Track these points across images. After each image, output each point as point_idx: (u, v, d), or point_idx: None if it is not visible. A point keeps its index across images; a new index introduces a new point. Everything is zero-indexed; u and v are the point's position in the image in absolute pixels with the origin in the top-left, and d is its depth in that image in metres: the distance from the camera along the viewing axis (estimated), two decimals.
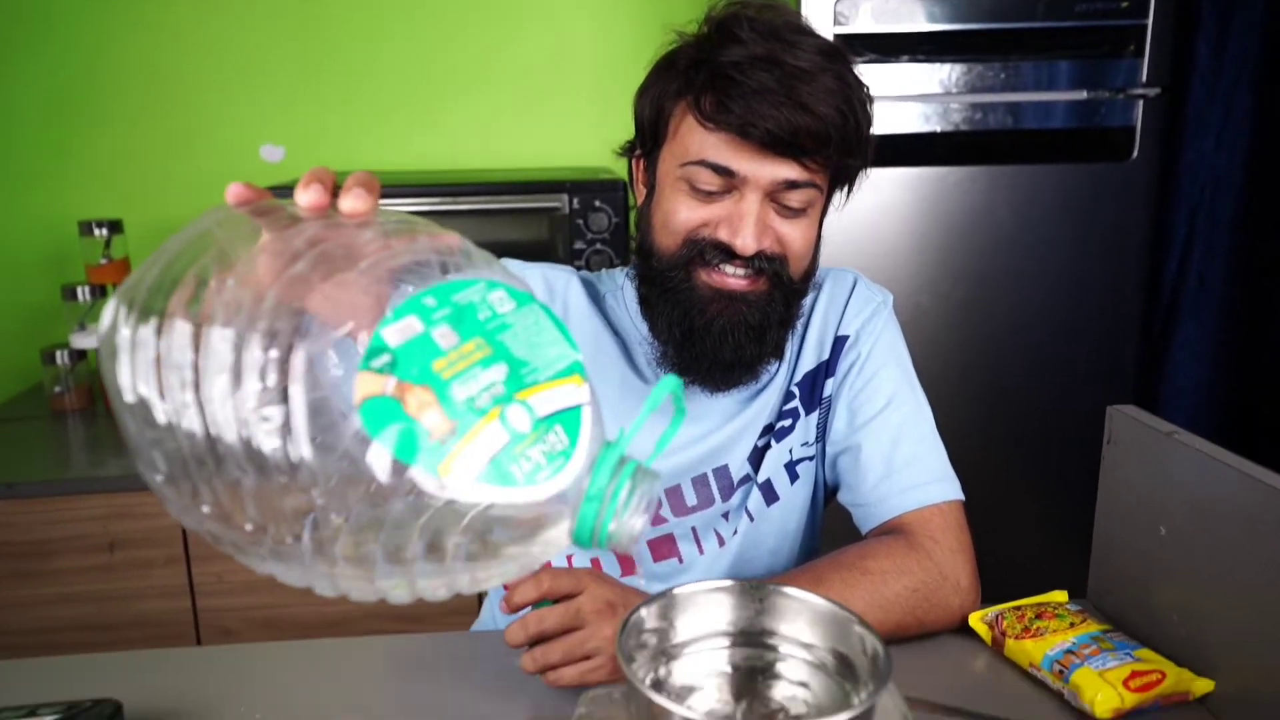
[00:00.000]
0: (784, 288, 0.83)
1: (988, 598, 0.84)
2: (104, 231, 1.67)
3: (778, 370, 0.92)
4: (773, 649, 0.59)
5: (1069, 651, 0.73)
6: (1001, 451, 1.59)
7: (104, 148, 1.88)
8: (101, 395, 1.75)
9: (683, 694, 0.57)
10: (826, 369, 0.92)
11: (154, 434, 0.41)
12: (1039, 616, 0.78)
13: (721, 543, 0.93)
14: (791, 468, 0.93)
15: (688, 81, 0.81)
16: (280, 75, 1.89)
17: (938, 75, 1.48)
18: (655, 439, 0.48)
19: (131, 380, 0.42)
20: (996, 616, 0.79)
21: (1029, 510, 1.62)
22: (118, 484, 1.40)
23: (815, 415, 0.92)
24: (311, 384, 0.40)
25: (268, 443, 0.40)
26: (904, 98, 1.47)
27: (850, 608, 0.56)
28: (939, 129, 1.49)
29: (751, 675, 0.58)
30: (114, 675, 0.76)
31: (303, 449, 0.40)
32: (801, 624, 0.58)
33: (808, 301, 0.92)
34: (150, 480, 0.43)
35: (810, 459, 0.93)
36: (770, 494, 0.92)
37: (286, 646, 0.84)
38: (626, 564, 0.93)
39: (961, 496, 0.87)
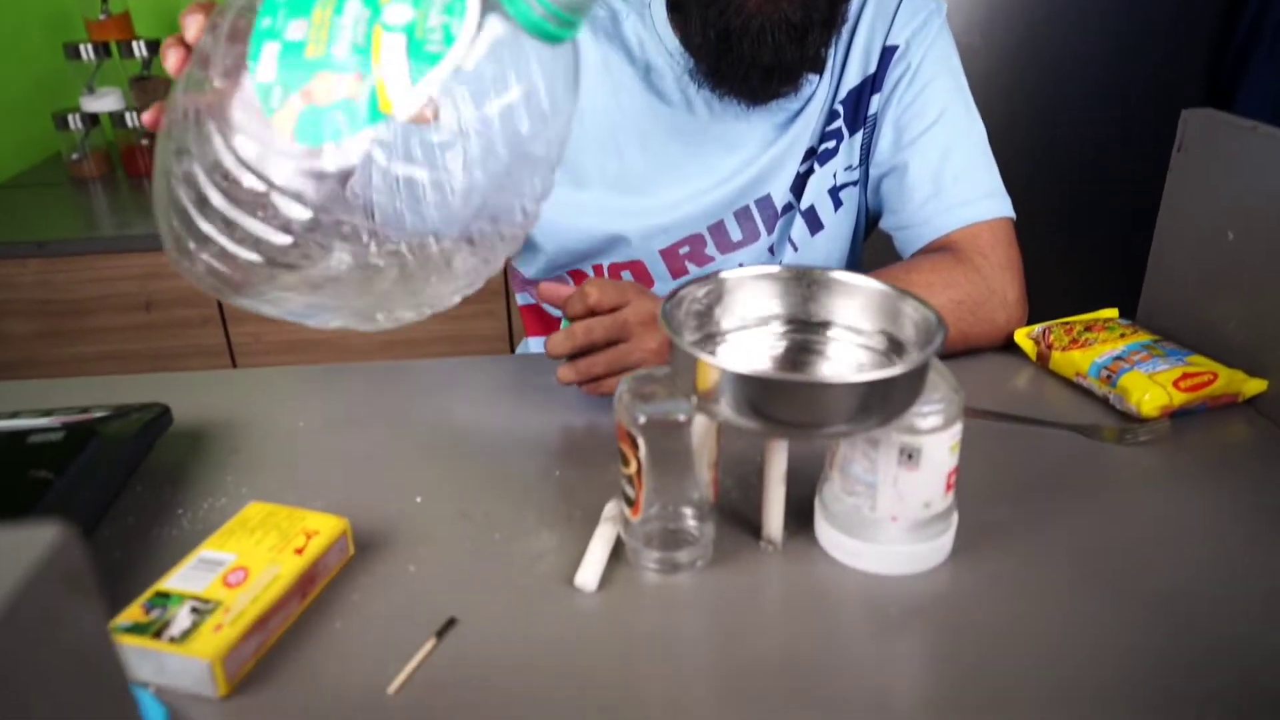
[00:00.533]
0: None
1: (1036, 319, 0.82)
2: None
3: (817, 87, 0.86)
4: (820, 333, 0.57)
5: (1117, 358, 0.71)
6: (1055, 175, 1.52)
7: None
8: (121, 162, 1.72)
9: None
10: (873, 84, 0.86)
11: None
12: (1088, 330, 0.76)
13: None
14: (835, 194, 0.89)
15: None
16: None
17: None
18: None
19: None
20: (1044, 330, 0.77)
21: (1081, 235, 1.57)
22: (150, 243, 1.39)
23: (860, 136, 0.87)
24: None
25: (294, 219, 0.44)
26: None
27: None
28: None
29: (799, 354, 0.57)
30: (162, 390, 0.77)
31: (310, 207, 0.43)
32: (851, 307, 0.57)
33: (853, 8, 0.84)
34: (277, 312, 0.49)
35: (854, 184, 0.89)
36: (814, 222, 0.89)
37: (329, 369, 0.85)
38: None
39: (1012, 214, 0.83)
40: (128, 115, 1.63)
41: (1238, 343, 0.71)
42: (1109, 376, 0.70)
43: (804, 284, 0.57)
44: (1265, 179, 0.67)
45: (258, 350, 1.47)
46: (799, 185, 0.88)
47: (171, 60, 0.49)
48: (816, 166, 0.88)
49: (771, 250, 0.90)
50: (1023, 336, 0.79)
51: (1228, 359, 0.71)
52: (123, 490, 0.62)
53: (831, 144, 0.87)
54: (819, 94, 0.86)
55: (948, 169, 0.83)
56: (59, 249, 1.37)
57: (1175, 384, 0.67)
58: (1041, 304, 1.63)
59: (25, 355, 1.42)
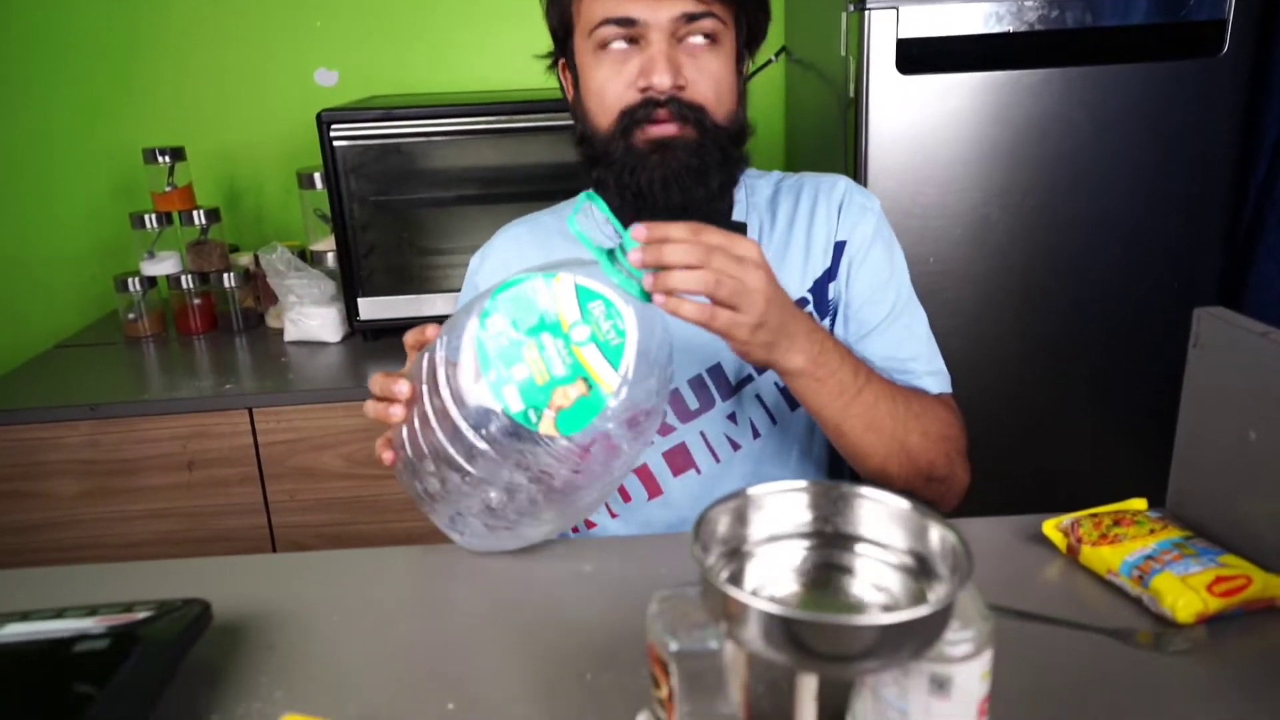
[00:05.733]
0: (711, 133, 0.86)
1: (1062, 508, 0.82)
2: (167, 159, 1.68)
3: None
4: (848, 549, 0.58)
5: (1149, 558, 0.71)
6: (1075, 364, 1.54)
7: (165, 78, 1.89)
8: (174, 321, 1.80)
9: (756, 591, 0.56)
10: (831, 274, 0.94)
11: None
12: (1117, 523, 0.76)
13: (736, 447, 0.94)
14: None
15: None
16: (332, 1, 1.87)
17: None
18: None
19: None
20: (1072, 523, 0.78)
21: (1104, 423, 1.58)
22: (194, 405, 1.44)
23: (828, 321, 0.94)
24: None
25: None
26: None
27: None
28: (1011, 28, 1.41)
29: (826, 574, 0.58)
30: (201, 579, 0.80)
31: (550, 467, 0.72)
32: (879, 524, 0.58)
33: (805, 205, 0.95)
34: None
35: None
36: (792, 399, 0.94)
37: (364, 554, 0.87)
38: (651, 486, 0.94)
39: (951, 391, 0.95)
40: (184, 278, 1.72)
41: (1269, 543, 0.71)
42: (1140, 577, 0.70)
43: (830, 498, 0.58)
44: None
45: (293, 508, 1.49)
46: None
47: (398, 411, 0.74)
48: None
49: (734, 418, 0.93)
50: (1051, 528, 0.79)
51: (1261, 558, 0.71)
52: (161, 696, 0.63)
53: None
54: None
55: (903, 352, 0.93)
56: (110, 411, 1.43)
57: (1209, 588, 0.67)
58: (1071, 479, 1.64)
59: (69, 515, 1.46)
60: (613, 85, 0.87)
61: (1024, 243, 1.48)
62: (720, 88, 0.87)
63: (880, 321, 0.93)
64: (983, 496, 0.98)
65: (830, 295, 0.94)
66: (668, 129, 0.85)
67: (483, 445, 0.69)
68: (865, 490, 0.58)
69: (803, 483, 0.59)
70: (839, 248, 0.94)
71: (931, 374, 0.93)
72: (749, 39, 0.92)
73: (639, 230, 0.68)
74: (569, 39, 0.92)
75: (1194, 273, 1.50)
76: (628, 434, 0.71)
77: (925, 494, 0.88)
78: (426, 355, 0.74)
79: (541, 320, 0.68)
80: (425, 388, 0.72)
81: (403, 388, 0.74)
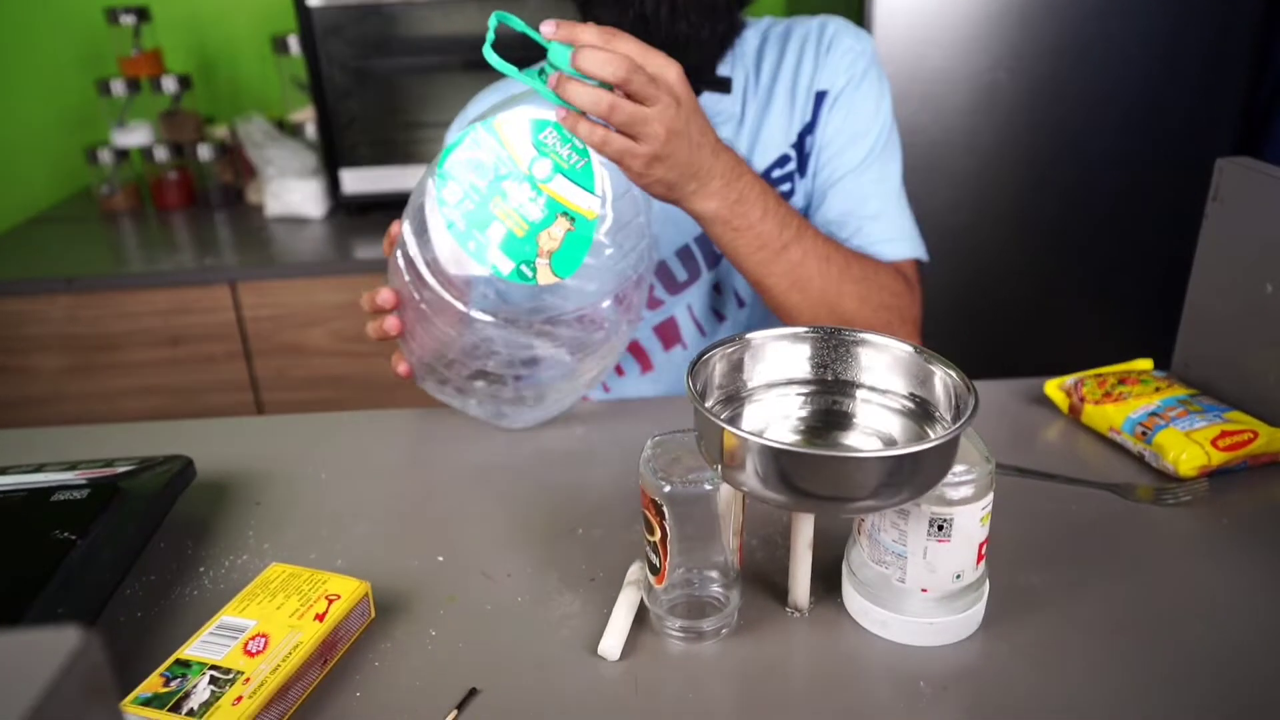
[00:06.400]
0: None
1: (1065, 371, 0.80)
2: (132, 19, 1.59)
3: (741, 129, 0.88)
4: (849, 395, 0.56)
5: (1153, 414, 0.69)
6: (1081, 237, 1.51)
7: None
8: (150, 196, 1.74)
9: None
10: (809, 127, 0.87)
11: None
12: (1121, 382, 0.74)
13: (721, 319, 0.91)
14: None
15: None
16: None
17: None
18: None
19: None
20: (1075, 383, 0.76)
21: (1109, 296, 1.55)
22: (173, 279, 1.40)
23: (808, 180, 0.89)
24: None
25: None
26: None
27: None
28: None
29: (826, 419, 0.56)
30: (186, 439, 0.78)
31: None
32: (879, 369, 0.56)
33: (790, 58, 0.87)
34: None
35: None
36: None
37: (352, 416, 0.85)
38: (642, 360, 0.92)
39: (923, 255, 0.87)
40: (155, 149, 1.66)
41: (1278, 397, 0.69)
42: (1144, 433, 0.69)
43: (830, 344, 0.56)
44: None
45: (281, 385, 1.48)
46: None
47: (390, 323, 0.71)
48: None
49: (718, 288, 0.91)
50: (1054, 388, 0.77)
51: (1268, 415, 0.69)
52: (145, 546, 0.62)
53: (787, 186, 0.88)
54: (741, 138, 0.87)
55: (867, 208, 0.85)
56: (87, 285, 1.39)
57: (1213, 442, 0.66)
58: (1074, 352, 1.62)
59: (54, 390, 1.44)
60: None
61: (1031, 110, 1.43)
62: None
63: (850, 170, 0.85)
64: (986, 370, 0.96)
65: (807, 149, 0.87)
66: None
67: (489, 319, 0.66)
68: (866, 335, 0.56)
69: (802, 329, 0.56)
70: (819, 98, 0.86)
71: (892, 239, 0.85)
72: None
73: (547, 26, 0.60)
74: None
75: (1207, 145, 1.45)
76: (624, 254, 0.67)
77: None
78: (399, 252, 0.68)
79: (497, 171, 0.63)
80: (411, 286, 0.67)
81: (385, 296, 0.70)
